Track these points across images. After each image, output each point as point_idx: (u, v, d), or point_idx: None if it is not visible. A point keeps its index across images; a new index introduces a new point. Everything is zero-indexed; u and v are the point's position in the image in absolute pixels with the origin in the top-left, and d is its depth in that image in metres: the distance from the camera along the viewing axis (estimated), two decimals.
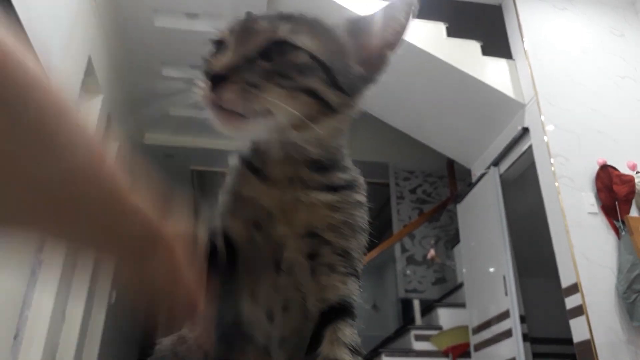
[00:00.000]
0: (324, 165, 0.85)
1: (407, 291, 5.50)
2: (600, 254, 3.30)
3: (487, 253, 4.19)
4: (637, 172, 3.52)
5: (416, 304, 4.90)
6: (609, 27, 4.19)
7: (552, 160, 3.55)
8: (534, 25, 4.09)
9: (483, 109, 4.16)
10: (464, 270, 4.59)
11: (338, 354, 0.77)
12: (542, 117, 3.69)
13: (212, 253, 0.80)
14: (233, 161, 0.88)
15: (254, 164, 0.85)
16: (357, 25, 0.81)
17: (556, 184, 3.48)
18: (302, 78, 0.73)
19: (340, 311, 0.81)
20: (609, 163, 3.54)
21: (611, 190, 3.44)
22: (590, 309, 3.12)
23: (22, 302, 2.85)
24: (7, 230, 0.46)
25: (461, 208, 4.75)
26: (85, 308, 4.07)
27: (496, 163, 4.24)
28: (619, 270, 3.23)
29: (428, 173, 6.26)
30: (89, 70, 3.64)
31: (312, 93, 0.75)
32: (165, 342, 0.94)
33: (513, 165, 4.08)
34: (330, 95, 0.77)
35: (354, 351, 0.79)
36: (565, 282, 3.33)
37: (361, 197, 0.88)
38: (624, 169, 3.53)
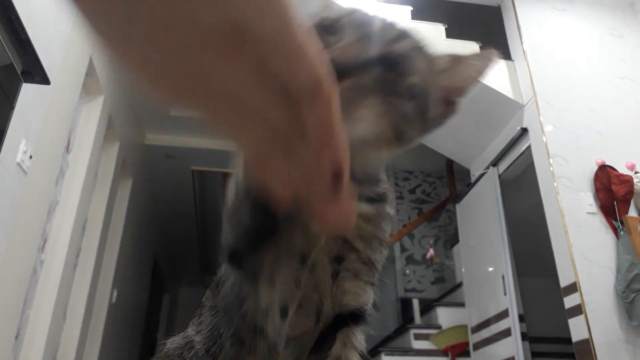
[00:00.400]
0: (365, 179, 0.85)
1: (406, 290, 5.51)
2: (598, 253, 3.31)
3: (486, 253, 4.20)
4: (636, 172, 3.52)
5: (415, 303, 4.90)
6: (608, 28, 4.21)
7: (550, 161, 3.56)
8: (532, 26, 4.10)
9: (482, 110, 4.16)
10: (463, 269, 4.60)
11: (350, 357, 0.79)
12: (541, 118, 3.71)
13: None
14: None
15: None
16: (450, 59, 0.74)
17: (555, 184, 3.49)
18: (404, 101, 0.67)
19: (356, 317, 0.83)
20: (607, 163, 3.55)
21: (610, 190, 3.44)
22: (589, 309, 3.13)
23: (23, 301, 2.84)
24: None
25: (460, 208, 4.76)
26: (87, 308, 4.08)
27: (495, 163, 4.25)
28: (618, 270, 3.24)
29: (427, 173, 6.27)
30: (90, 71, 3.65)
31: (405, 118, 0.68)
32: (171, 345, 0.95)
33: (512, 166, 4.09)
34: (412, 130, 0.72)
35: (363, 357, 0.81)
36: (564, 281, 3.34)
37: (391, 209, 0.88)
38: (622, 169, 3.54)
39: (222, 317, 0.89)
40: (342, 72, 0.60)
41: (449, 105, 0.76)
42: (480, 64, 0.74)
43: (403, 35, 0.69)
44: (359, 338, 0.81)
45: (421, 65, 0.69)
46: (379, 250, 0.85)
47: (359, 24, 0.67)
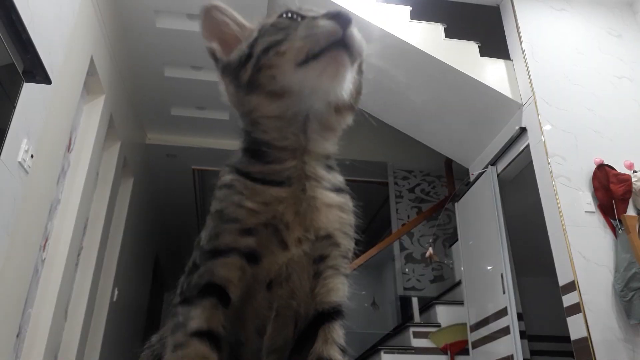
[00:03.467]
0: (330, 164, 0.91)
1: (405, 289, 5.51)
2: (597, 252, 3.31)
3: (485, 251, 4.21)
4: (634, 171, 3.52)
5: (415, 302, 4.91)
6: (606, 28, 4.21)
7: (549, 160, 3.57)
8: (531, 26, 4.11)
9: (481, 109, 4.18)
10: (462, 268, 4.61)
11: (332, 353, 0.81)
12: (540, 117, 3.71)
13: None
14: (226, 177, 0.87)
15: (256, 173, 0.85)
16: None
17: (553, 183, 3.50)
18: (358, 75, 0.88)
19: (337, 312, 0.85)
20: (606, 162, 3.55)
21: (608, 189, 3.45)
22: (587, 307, 3.13)
23: (25, 300, 2.86)
24: None
25: (459, 207, 4.77)
26: (88, 306, 4.09)
27: (494, 162, 4.26)
28: (616, 269, 3.24)
29: (426, 172, 6.27)
30: (92, 71, 3.66)
31: (360, 84, 0.88)
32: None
33: (510, 165, 4.10)
34: (359, 98, 0.89)
35: (344, 351, 0.83)
36: (562, 280, 3.34)
37: (352, 203, 0.92)
38: (621, 168, 3.54)
39: None
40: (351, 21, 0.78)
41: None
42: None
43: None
44: (339, 332, 0.84)
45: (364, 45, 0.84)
46: (351, 238, 0.89)
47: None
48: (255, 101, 0.84)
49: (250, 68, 0.83)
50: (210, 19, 0.92)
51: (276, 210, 0.81)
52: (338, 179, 0.91)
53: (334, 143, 0.91)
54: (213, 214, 0.85)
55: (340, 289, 0.86)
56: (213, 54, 0.93)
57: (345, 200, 0.89)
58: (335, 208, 0.86)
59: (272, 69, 0.81)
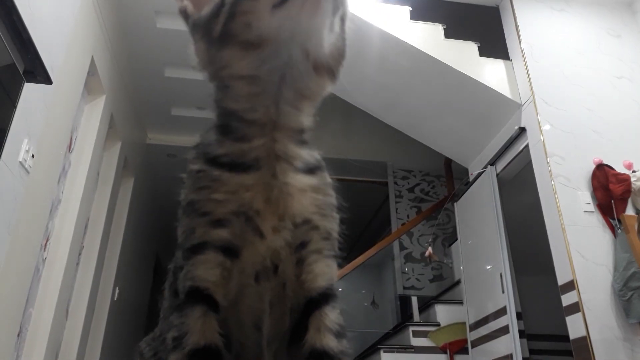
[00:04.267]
0: (304, 139, 0.87)
1: (405, 288, 5.50)
2: (596, 252, 3.31)
3: (484, 251, 4.21)
4: (633, 171, 3.52)
5: (414, 301, 4.91)
6: (605, 28, 4.21)
7: (548, 160, 3.57)
8: (531, 26, 4.11)
9: (480, 109, 4.18)
10: (462, 267, 4.61)
11: (324, 342, 0.79)
12: (539, 117, 3.72)
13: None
14: (193, 165, 0.84)
15: (224, 156, 0.81)
16: None
17: (552, 183, 3.50)
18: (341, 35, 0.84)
19: (326, 296, 0.83)
20: (605, 162, 3.54)
21: (607, 189, 3.45)
22: (586, 306, 3.13)
23: (26, 299, 2.86)
24: None
25: (459, 207, 4.78)
26: (89, 305, 4.09)
27: (493, 162, 4.26)
28: (615, 268, 3.24)
29: (426, 172, 6.27)
30: (92, 71, 3.66)
31: (344, 42, 0.83)
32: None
33: (510, 165, 4.10)
34: (342, 60, 0.84)
35: (339, 334, 0.81)
36: (561, 279, 3.34)
37: (329, 177, 0.89)
38: (620, 168, 3.54)
39: None
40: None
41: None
42: None
43: None
44: (332, 317, 0.82)
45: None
46: (332, 217, 0.86)
47: None
48: (227, 56, 0.78)
49: (224, 17, 0.76)
50: None
51: (244, 198, 0.79)
52: (313, 155, 0.87)
53: (309, 115, 0.86)
54: (184, 207, 0.84)
55: (326, 272, 0.84)
56: (184, 12, 0.89)
57: (320, 181, 0.86)
58: (309, 191, 0.83)
59: (246, 15, 0.75)
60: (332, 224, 0.86)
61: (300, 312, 0.83)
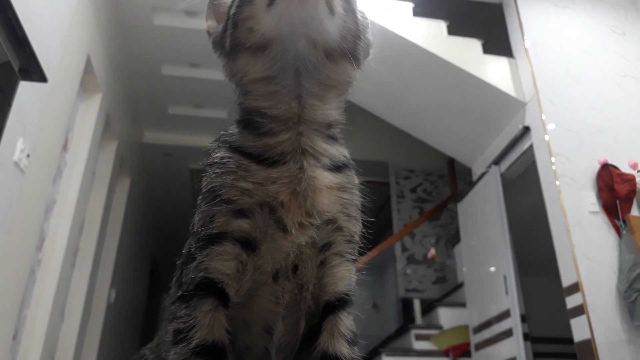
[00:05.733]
0: (332, 134, 0.85)
1: (407, 290, 5.49)
2: (601, 253, 3.29)
3: (488, 252, 4.18)
4: (638, 171, 3.50)
5: (416, 304, 4.90)
6: (610, 26, 4.18)
7: (553, 159, 3.54)
8: (534, 23, 4.08)
9: (484, 108, 4.15)
10: (465, 269, 4.59)
11: (337, 348, 0.77)
12: (543, 116, 3.68)
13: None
14: (217, 154, 0.83)
15: (250, 147, 0.81)
16: None
17: (557, 183, 3.47)
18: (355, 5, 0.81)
19: (344, 301, 0.81)
20: (610, 162, 3.52)
21: (612, 189, 3.42)
22: (590, 309, 3.11)
23: (21, 301, 2.83)
24: None
25: (462, 207, 4.75)
26: (84, 307, 4.06)
27: (497, 162, 4.23)
28: (620, 270, 3.22)
29: (428, 172, 6.25)
30: (88, 69, 3.65)
31: (356, 25, 0.81)
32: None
33: (514, 164, 4.07)
34: (361, 42, 0.83)
35: (352, 341, 0.79)
36: (566, 281, 3.32)
37: (357, 178, 0.88)
38: (625, 168, 3.52)
39: None
40: None
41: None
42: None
43: None
44: (346, 323, 0.80)
45: None
46: (356, 219, 0.84)
47: None
48: (241, 64, 0.81)
49: (230, 29, 0.80)
50: (213, 1, 0.92)
51: (269, 190, 0.77)
52: (341, 151, 0.86)
53: (337, 107, 0.85)
54: (204, 194, 0.81)
55: (347, 276, 0.82)
56: (208, 32, 0.92)
57: (346, 179, 0.84)
58: (335, 189, 0.81)
59: (247, 21, 0.78)
60: (356, 227, 0.84)
61: (318, 317, 0.81)
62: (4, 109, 2.19)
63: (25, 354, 3.08)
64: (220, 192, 0.78)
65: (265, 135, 0.81)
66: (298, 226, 0.77)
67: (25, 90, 2.32)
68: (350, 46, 0.81)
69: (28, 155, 2.50)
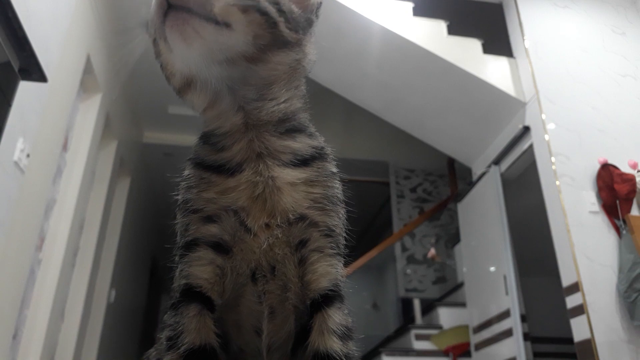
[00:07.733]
0: (292, 127, 0.83)
1: (407, 290, 5.49)
2: (601, 253, 3.28)
3: (488, 252, 4.18)
4: (638, 171, 3.50)
5: (416, 303, 4.90)
6: (610, 26, 4.18)
7: (553, 159, 3.54)
8: (535, 23, 4.07)
9: (484, 108, 4.14)
10: (465, 269, 4.59)
11: (328, 344, 0.76)
12: (543, 116, 3.68)
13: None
14: (185, 172, 0.87)
15: (210, 161, 0.83)
16: None
17: (557, 182, 3.47)
18: None
19: (330, 297, 0.80)
20: (610, 162, 3.52)
21: (612, 189, 3.42)
22: (590, 308, 3.11)
23: (21, 301, 2.83)
24: None
25: (462, 207, 4.74)
26: (84, 307, 4.06)
27: (497, 162, 4.23)
28: (620, 270, 3.22)
29: (428, 172, 6.25)
30: (88, 69, 3.64)
31: (265, 14, 0.75)
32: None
33: (514, 164, 4.07)
34: (282, 25, 0.77)
35: (344, 336, 0.78)
36: (566, 281, 3.32)
37: (333, 167, 0.86)
38: (625, 168, 3.52)
39: None
40: None
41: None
42: None
43: None
44: (336, 318, 0.79)
45: None
46: (334, 211, 0.83)
47: None
48: (188, 102, 0.83)
49: (165, 77, 0.85)
50: None
51: (230, 197, 0.79)
52: (308, 143, 0.84)
53: (287, 98, 0.82)
54: (179, 207, 0.86)
55: (329, 272, 0.81)
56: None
57: (316, 172, 0.82)
58: (301, 185, 0.80)
59: (167, 69, 0.82)
60: (334, 220, 0.83)
61: (308, 315, 0.80)
62: (4, 109, 2.18)
63: (25, 354, 3.07)
64: (189, 204, 0.82)
65: (222, 150, 0.83)
66: (265, 227, 0.78)
67: (25, 90, 2.31)
68: (269, 38, 0.77)
69: (28, 155, 2.49)
